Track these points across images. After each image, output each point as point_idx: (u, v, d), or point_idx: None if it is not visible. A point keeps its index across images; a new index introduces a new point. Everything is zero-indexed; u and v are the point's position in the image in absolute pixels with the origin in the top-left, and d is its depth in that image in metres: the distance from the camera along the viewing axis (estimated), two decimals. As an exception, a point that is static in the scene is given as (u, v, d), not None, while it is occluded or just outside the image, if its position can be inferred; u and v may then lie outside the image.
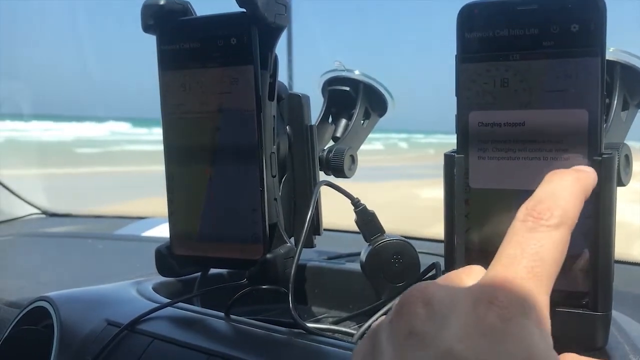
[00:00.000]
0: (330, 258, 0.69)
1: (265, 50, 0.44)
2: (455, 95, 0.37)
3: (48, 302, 0.53)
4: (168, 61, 0.46)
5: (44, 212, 1.50)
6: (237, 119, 0.44)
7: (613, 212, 0.34)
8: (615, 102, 0.45)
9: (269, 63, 0.44)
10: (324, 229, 0.56)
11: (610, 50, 0.44)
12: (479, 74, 0.36)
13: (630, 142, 0.42)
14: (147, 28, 0.46)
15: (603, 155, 0.33)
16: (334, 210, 0.62)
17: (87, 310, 0.51)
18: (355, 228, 0.53)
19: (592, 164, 0.33)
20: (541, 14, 0.34)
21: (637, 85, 0.46)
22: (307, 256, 0.66)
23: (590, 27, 0.33)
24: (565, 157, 0.35)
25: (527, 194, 0.36)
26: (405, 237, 0.52)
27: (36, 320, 0.54)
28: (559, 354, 0.25)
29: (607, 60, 0.34)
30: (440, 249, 0.40)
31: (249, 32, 0.43)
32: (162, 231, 1.11)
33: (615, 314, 0.40)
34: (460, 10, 0.36)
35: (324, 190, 0.53)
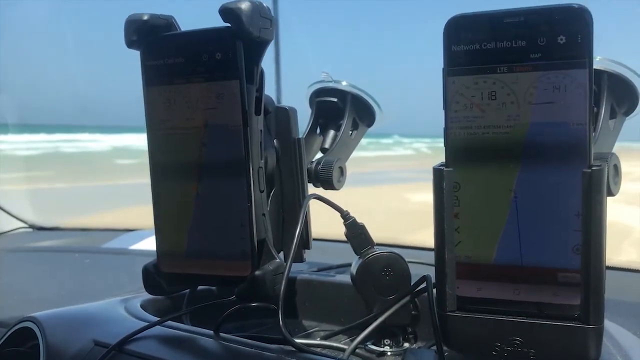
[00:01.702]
0: (320, 269, 0.69)
1: (251, 65, 0.43)
2: (443, 109, 0.37)
3: (33, 322, 0.52)
4: (152, 77, 0.45)
5: (31, 226, 1.48)
6: (223, 134, 0.43)
7: (603, 225, 0.34)
8: (603, 110, 0.45)
9: (254, 77, 0.44)
10: (314, 239, 0.56)
11: (597, 59, 0.44)
12: (466, 87, 0.36)
13: (629, 143, 0.42)
14: (130, 43, 0.45)
15: (592, 168, 0.33)
16: (325, 219, 0.62)
17: (73, 330, 0.50)
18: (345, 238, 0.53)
19: (581, 176, 0.33)
20: (528, 26, 0.34)
21: (624, 93, 0.46)
22: (297, 268, 0.65)
23: (577, 39, 0.33)
24: (554, 169, 0.34)
25: (515, 206, 0.36)
26: (395, 245, 0.52)
27: (21, 341, 0.53)
28: None
29: (594, 69, 0.34)
30: (431, 256, 0.39)
31: (234, 47, 0.42)
32: (150, 244, 1.10)
33: (607, 323, 0.39)
34: (446, 23, 0.36)
35: (313, 200, 0.53)
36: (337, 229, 0.54)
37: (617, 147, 0.43)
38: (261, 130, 0.46)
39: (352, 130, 0.62)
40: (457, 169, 0.37)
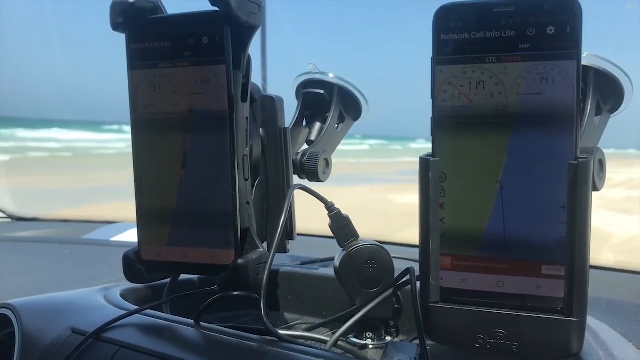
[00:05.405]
0: (303, 263, 0.69)
1: (238, 50, 0.43)
2: (431, 98, 0.37)
3: (10, 309, 0.51)
4: (138, 60, 0.44)
5: (10, 216, 1.46)
6: (208, 120, 0.43)
7: (588, 217, 0.34)
8: (589, 107, 0.45)
9: (241, 63, 0.43)
10: (298, 234, 0.55)
11: (585, 55, 0.44)
12: (455, 76, 0.36)
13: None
14: (116, 26, 0.44)
15: (579, 159, 0.33)
16: (310, 215, 0.61)
17: (51, 317, 0.49)
18: (330, 233, 0.53)
19: (568, 168, 0.33)
20: (518, 16, 0.34)
21: (610, 90, 0.46)
22: (280, 261, 0.65)
23: (566, 30, 0.33)
24: (541, 160, 0.34)
25: (501, 197, 0.36)
26: (379, 242, 0.51)
27: (-3, 328, 0.52)
28: None
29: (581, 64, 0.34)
30: (415, 254, 0.39)
31: (221, 31, 0.42)
32: (132, 236, 1.09)
33: (589, 319, 0.39)
34: (436, 12, 0.36)
35: (298, 194, 0.52)
36: (323, 225, 0.53)
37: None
38: (247, 118, 0.45)
39: (338, 123, 0.61)
40: (443, 159, 0.36)
